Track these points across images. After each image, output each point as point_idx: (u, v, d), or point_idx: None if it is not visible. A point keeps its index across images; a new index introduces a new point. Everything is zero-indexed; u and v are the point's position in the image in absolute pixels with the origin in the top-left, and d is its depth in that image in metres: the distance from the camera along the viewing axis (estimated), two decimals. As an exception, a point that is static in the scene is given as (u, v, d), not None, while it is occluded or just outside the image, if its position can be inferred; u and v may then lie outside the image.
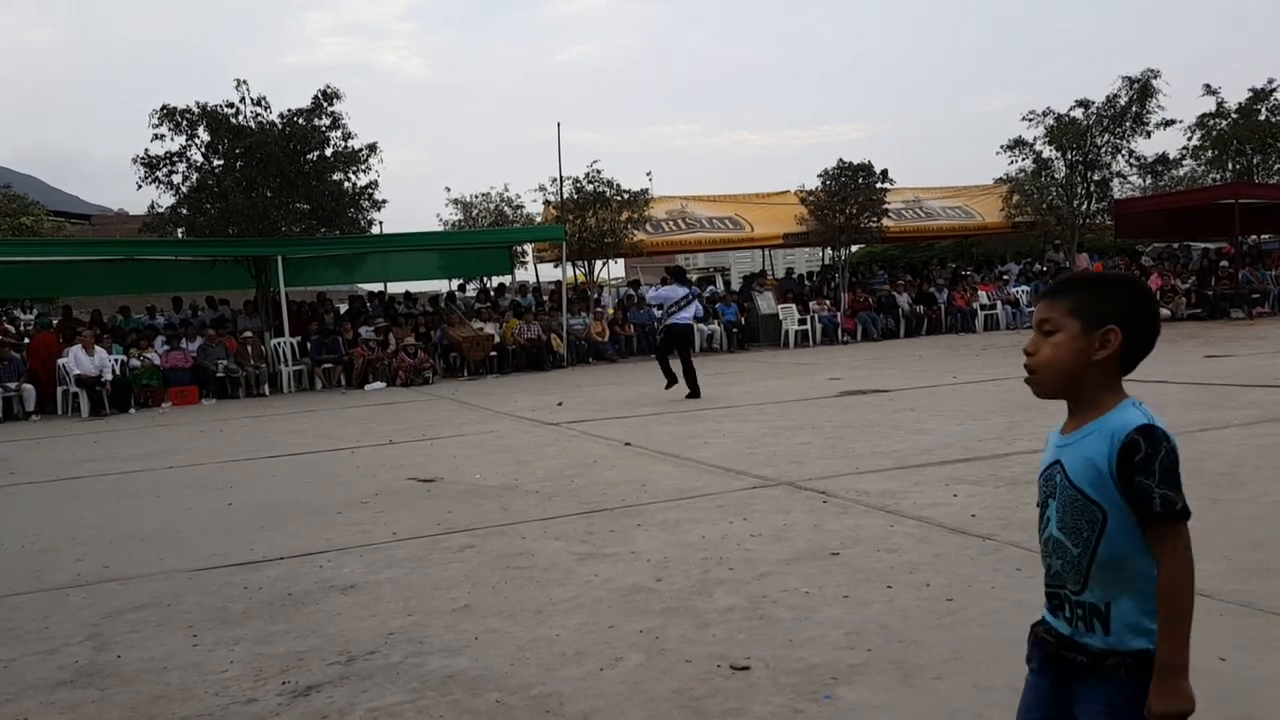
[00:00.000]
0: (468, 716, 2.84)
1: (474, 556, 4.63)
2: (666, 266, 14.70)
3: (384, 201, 18.87)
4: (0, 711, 3.11)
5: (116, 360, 14.83)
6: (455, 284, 24.59)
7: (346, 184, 18.34)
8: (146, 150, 17.28)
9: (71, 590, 4.50)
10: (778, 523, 4.90)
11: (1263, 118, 23.95)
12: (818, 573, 4.01)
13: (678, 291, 11.60)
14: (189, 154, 17.55)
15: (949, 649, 3.10)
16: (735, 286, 25.91)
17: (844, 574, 3.97)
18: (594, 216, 20.91)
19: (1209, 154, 24.83)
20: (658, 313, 12.49)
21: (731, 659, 3.13)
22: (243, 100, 17.55)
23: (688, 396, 10.91)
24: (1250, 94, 24.19)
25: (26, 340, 16.24)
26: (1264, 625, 3.15)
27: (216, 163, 17.66)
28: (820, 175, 22.12)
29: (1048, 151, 23.71)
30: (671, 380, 11.27)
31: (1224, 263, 21.57)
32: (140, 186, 17.43)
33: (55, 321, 18.02)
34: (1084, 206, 23.83)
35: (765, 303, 20.89)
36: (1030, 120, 23.80)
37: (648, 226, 22.24)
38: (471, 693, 3.00)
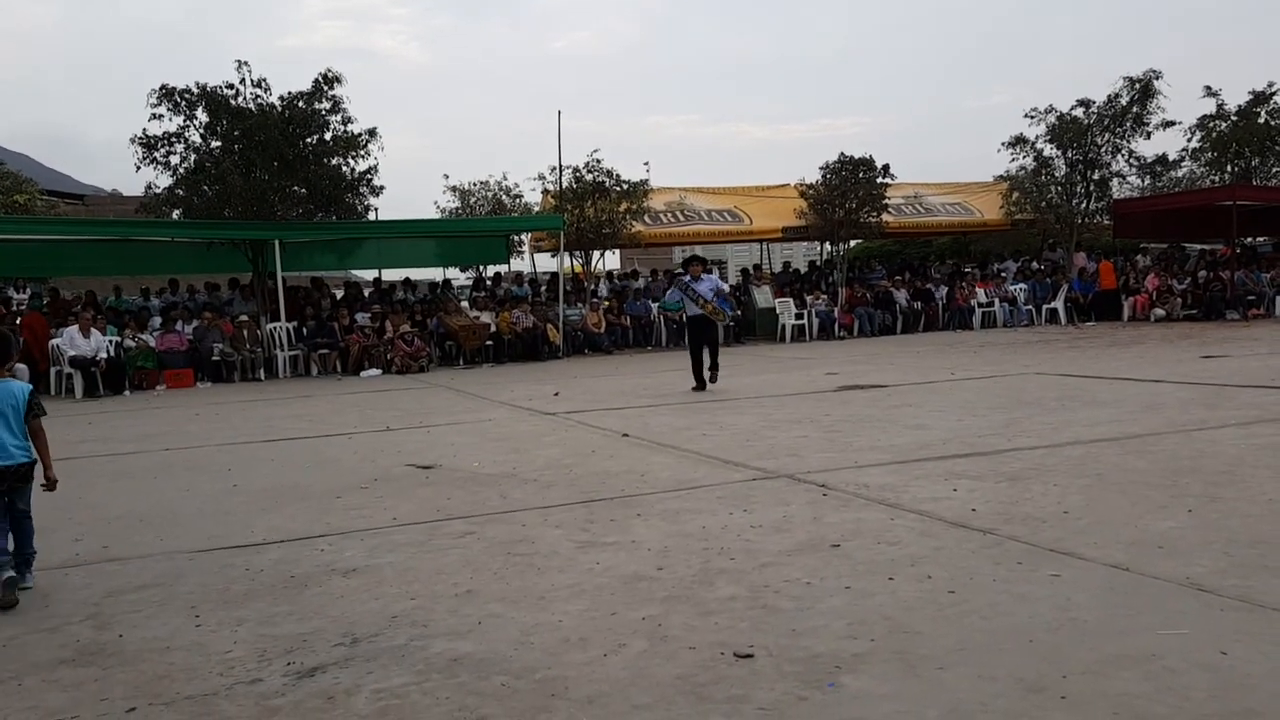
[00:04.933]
0: (474, 699, 2.84)
1: (474, 543, 4.64)
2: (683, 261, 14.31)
3: (382, 188, 18.76)
4: (3, 689, 3.11)
5: (111, 341, 14.77)
6: (442, 277, 24.22)
7: (345, 169, 18.24)
8: (144, 130, 17.17)
9: (70, 570, 4.49)
10: (778, 514, 4.91)
11: (1262, 120, 23.97)
12: (819, 564, 4.02)
13: (674, 293, 11.28)
14: (187, 135, 17.45)
15: (952, 640, 3.12)
16: (733, 280, 25.85)
17: (845, 565, 3.98)
18: (593, 207, 20.82)
19: (1208, 156, 24.83)
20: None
21: (734, 647, 3.14)
22: (243, 81, 17.44)
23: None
24: (1250, 96, 24.20)
25: (19, 320, 16.16)
26: (1264, 620, 3.17)
27: (215, 144, 17.55)
28: (821, 169, 22.09)
29: (1048, 150, 23.71)
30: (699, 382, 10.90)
31: (1214, 271, 21.61)
32: (139, 168, 17.30)
33: (46, 302, 17.92)
34: (1083, 205, 23.84)
35: (763, 297, 20.89)
36: (1032, 118, 23.79)
37: (646, 218, 22.17)
38: (477, 675, 3.01)
